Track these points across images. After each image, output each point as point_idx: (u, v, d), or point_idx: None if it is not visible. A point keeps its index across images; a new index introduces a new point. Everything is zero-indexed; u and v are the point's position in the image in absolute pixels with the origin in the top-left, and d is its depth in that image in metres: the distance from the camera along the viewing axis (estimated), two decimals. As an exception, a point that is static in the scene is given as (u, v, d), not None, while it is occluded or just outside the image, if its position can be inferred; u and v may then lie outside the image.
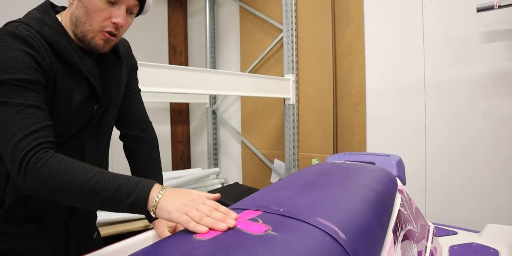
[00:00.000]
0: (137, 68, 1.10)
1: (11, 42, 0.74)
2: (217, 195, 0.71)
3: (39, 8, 0.84)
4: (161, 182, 1.07)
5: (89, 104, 0.89)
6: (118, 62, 0.97)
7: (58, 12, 0.88)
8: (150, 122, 1.12)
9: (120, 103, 1.01)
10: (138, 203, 0.66)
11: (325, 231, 0.58)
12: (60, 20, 0.84)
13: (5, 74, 0.71)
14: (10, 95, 0.71)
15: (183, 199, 0.66)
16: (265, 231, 0.55)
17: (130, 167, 1.08)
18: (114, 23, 0.82)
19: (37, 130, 0.71)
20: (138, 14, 0.90)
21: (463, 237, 1.29)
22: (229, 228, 0.58)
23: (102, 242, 1.08)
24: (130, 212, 0.68)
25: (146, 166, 1.07)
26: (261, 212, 0.64)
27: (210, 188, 2.71)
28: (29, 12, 0.84)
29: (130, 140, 1.09)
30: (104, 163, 1.03)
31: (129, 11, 0.85)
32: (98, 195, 0.66)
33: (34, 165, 0.68)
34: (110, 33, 0.83)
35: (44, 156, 0.69)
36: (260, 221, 0.60)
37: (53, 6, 0.89)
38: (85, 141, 0.91)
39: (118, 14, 0.82)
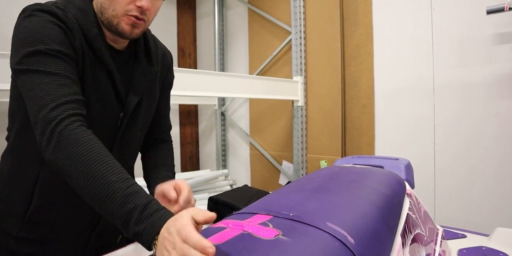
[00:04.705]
0: (172, 86, 1.07)
1: (45, 16, 0.72)
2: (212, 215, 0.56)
3: None
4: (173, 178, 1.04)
5: (114, 112, 0.86)
6: (151, 69, 0.92)
7: None
8: (171, 141, 1.16)
9: (152, 114, 0.97)
10: (143, 238, 0.56)
11: (334, 236, 0.59)
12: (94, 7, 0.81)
13: (39, 44, 0.69)
14: (44, 64, 0.69)
15: (165, 239, 0.53)
16: (276, 235, 0.57)
17: (143, 163, 1.07)
18: (139, 7, 0.77)
19: (70, 102, 0.68)
20: None
21: (472, 241, 1.28)
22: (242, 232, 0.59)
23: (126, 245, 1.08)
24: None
25: (160, 157, 1.08)
26: (271, 217, 0.66)
27: (219, 190, 2.73)
28: None
29: (147, 150, 1.11)
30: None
31: None
32: (107, 205, 0.59)
33: (67, 137, 0.63)
34: (136, 17, 0.79)
35: (79, 130, 0.65)
36: (271, 225, 0.61)
37: None
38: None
39: None
